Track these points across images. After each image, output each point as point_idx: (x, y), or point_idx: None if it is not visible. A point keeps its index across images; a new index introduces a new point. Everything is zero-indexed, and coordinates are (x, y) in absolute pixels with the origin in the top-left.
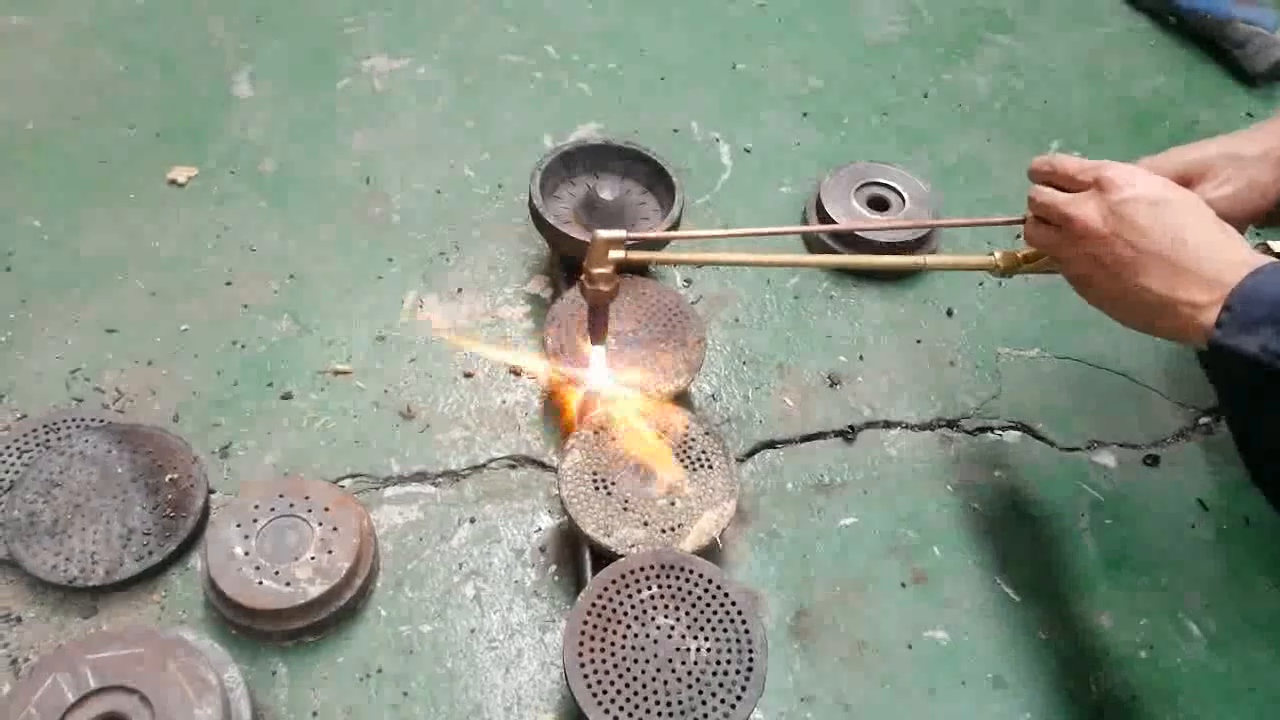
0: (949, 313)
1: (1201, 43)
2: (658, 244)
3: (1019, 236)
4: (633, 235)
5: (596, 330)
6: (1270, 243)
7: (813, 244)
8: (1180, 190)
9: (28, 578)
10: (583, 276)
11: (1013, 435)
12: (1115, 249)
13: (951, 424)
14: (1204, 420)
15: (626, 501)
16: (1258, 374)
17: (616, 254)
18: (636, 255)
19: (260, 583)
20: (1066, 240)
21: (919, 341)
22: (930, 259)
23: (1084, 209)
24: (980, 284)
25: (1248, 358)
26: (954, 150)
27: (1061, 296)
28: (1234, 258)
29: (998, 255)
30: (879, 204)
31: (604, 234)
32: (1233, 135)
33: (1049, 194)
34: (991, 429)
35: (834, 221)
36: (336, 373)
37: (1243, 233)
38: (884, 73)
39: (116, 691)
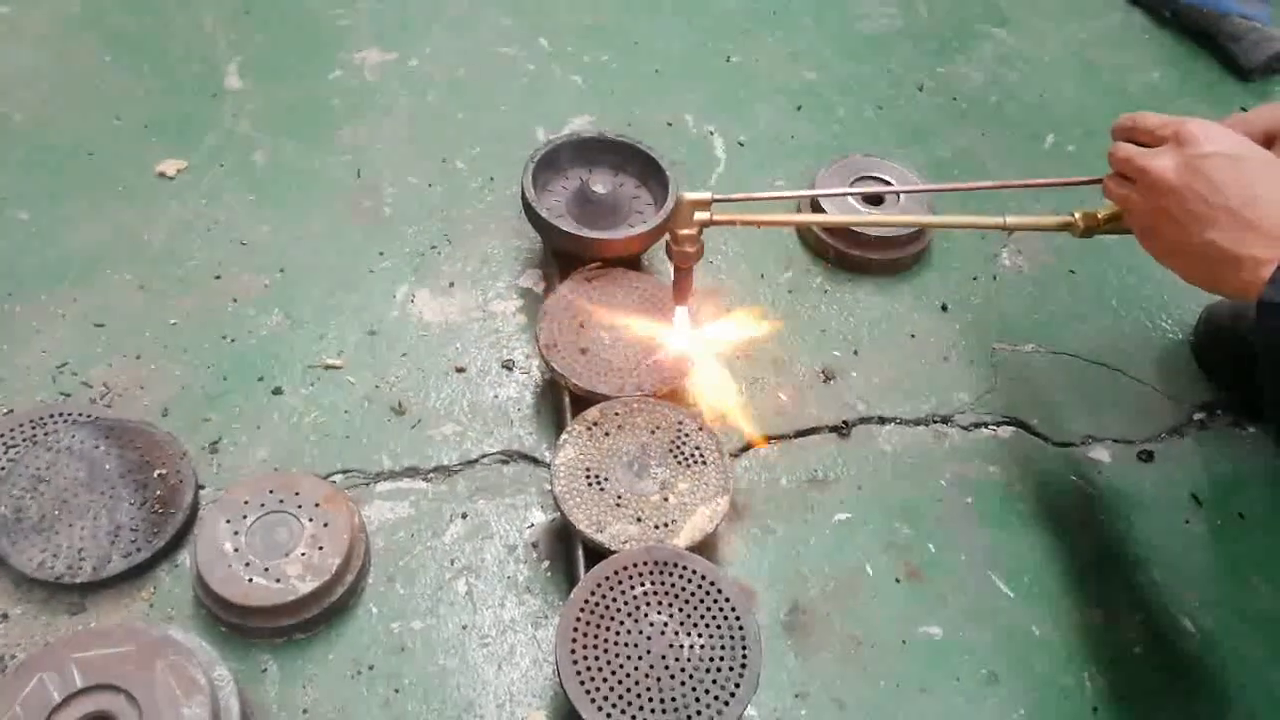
0: (943, 308)
1: (1197, 37)
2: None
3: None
4: (719, 196)
5: (681, 290)
6: None
7: (807, 237)
8: (1258, 149)
9: (14, 574)
10: (668, 237)
11: (1007, 430)
12: (1187, 202)
13: (946, 419)
14: (1198, 415)
15: (619, 497)
16: None
17: (702, 215)
18: (722, 216)
19: (250, 579)
20: (1140, 192)
21: (913, 336)
22: (1011, 219)
23: (1160, 161)
24: (974, 279)
25: None
26: (948, 144)
27: (1056, 291)
28: None
29: (1078, 215)
30: (874, 198)
31: (690, 195)
32: None
33: (1127, 148)
34: (986, 424)
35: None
36: (327, 367)
37: None
38: (878, 66)
39: (104, 690)
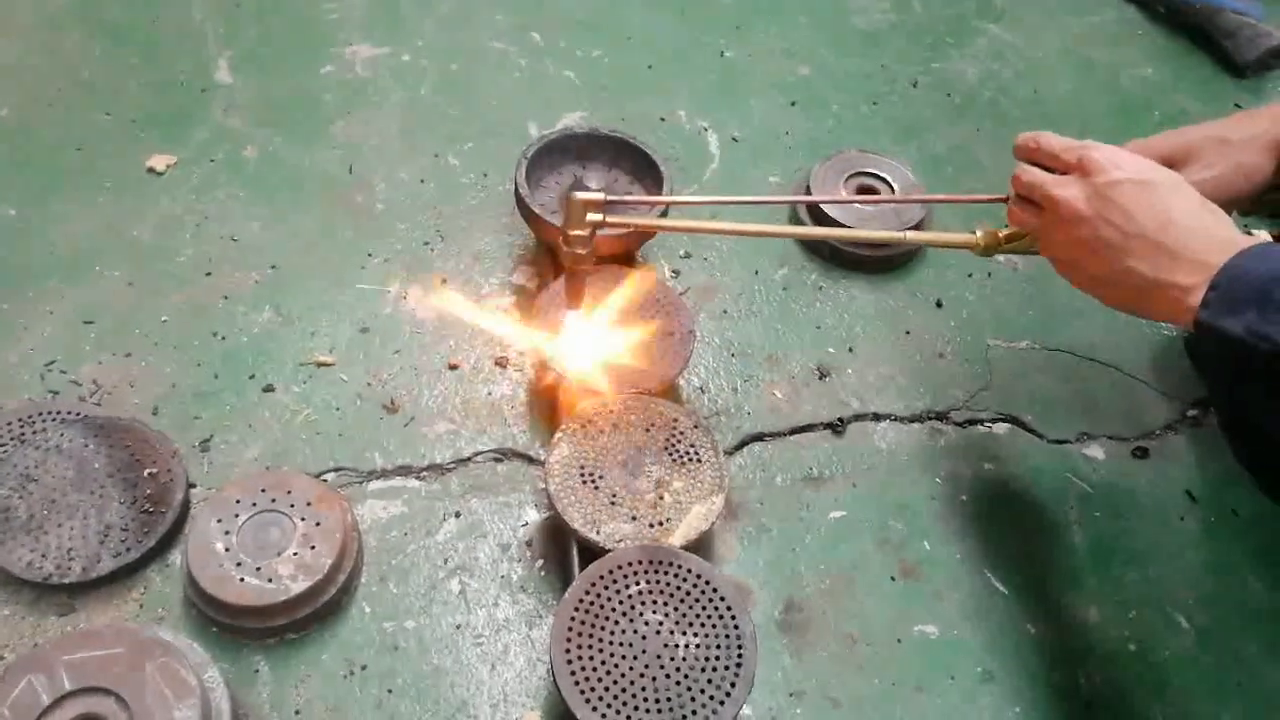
0: (938, 304)
1: (1190, 33)
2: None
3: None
4: (612, 197)
5: (574, 294)
6: (1253, 230)
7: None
8: (1165, 172)
9: (2, 575)
10: (560, 239)
11: (1002, 427)
12: (1100, 231)
13: (941, 416)
14: (1192, 412)
15: (614, 496)
16: (1243, 355)
17: (594, 216)
18: (615, 220)
19: (242, 579)
20: (1050, 222)
21: (908, 333)
22: (911, 234)
23: (1068, 191)
24: (969, 275)
25: (1233, 338)
26: (943, 140)
27: (1052, 288)
28: (1221, 239)
29: (979, 234)
30: (868, 194)
31: (581, 195)
32: (1220, 120)
33: (1033, 173)
34: (981, 421)
35: (824, 212)
36: (319, 364)
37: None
38: (873, 61)
39: (93, 693)
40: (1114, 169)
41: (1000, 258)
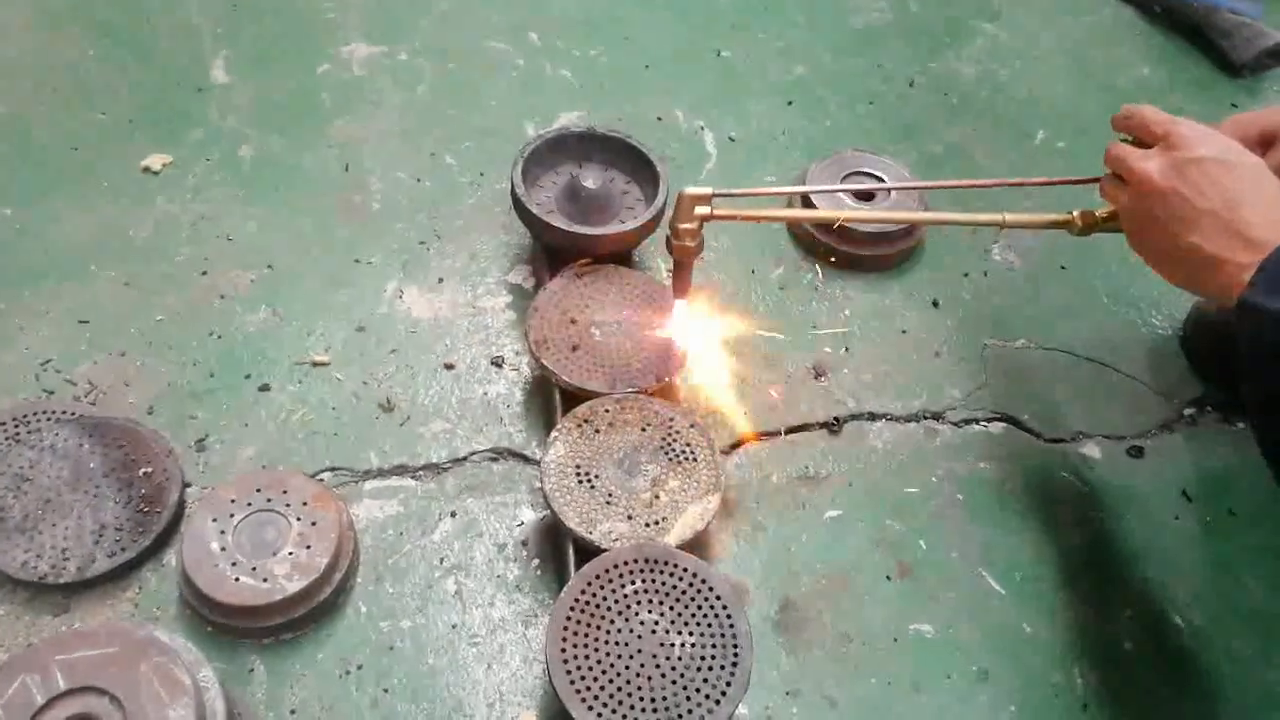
0: (935, 304)
1: (1187, 33)
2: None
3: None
4: (719, 191)
5: (681, 284)
6: None
7: (798, 234)
8: (1247, 155)
9: None
10: (669, 232)
11: (998, 427)
12: (1171, 205)
13: (937, 415)
14: (1188, 411)
15: (610, 495)
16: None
17: (702, 209)
18: (722, 212)
19: (237, 579)
20: (1130, 195)
21: (904, 332)
22: (1009, 216)
23: (1148, 163)
24: (965, 275)
25: (1272, 315)
26: (940, 140)
27: (1048, 287)
28: None
29: (1076, 214)
30: (865, 193)
31: (691, 190)
32: None
33: (1120, 148)
34: (977, 420)
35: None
36: (315, 364)
37: None
38: (870, 61)
39: (87, 693)
40: (1198, 146)
41: (997, 256)
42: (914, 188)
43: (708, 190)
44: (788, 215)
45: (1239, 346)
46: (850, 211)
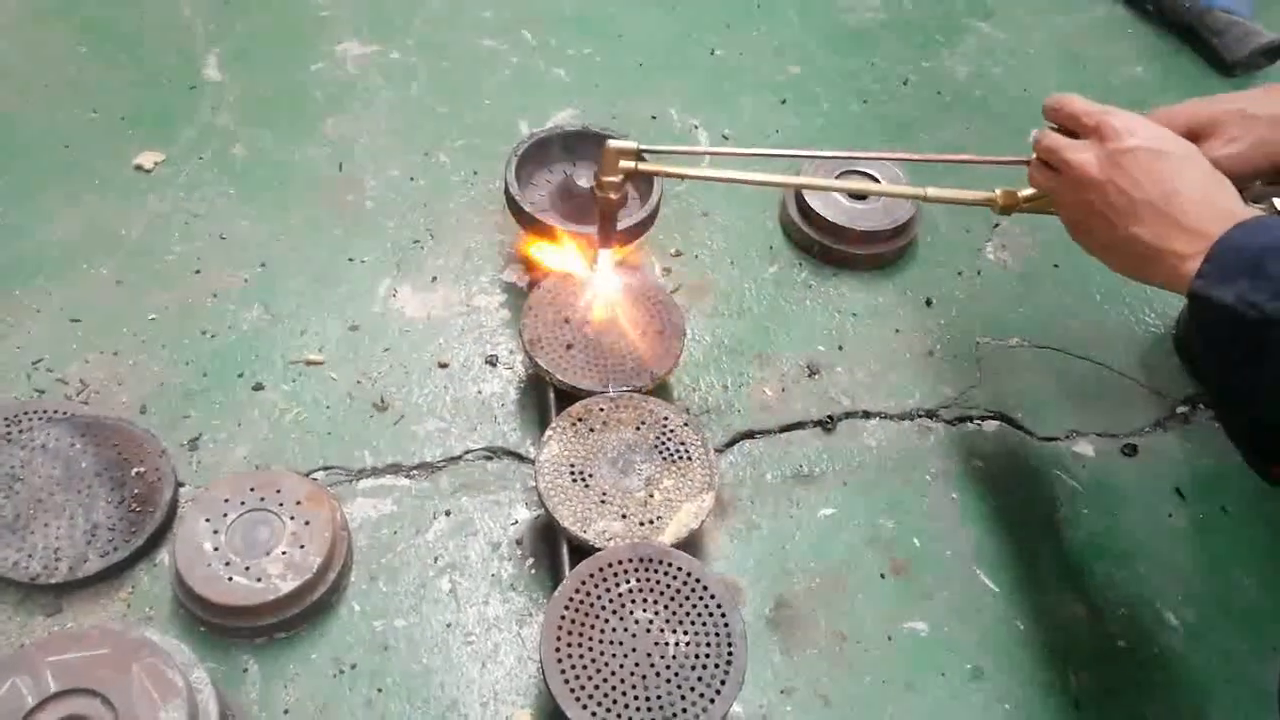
0: (928, 302)
1: (1179, 31)
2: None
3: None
4: (647, 148)
5: (604, 234)
6: (1277, 201)
7: (792, 232)
8: (1180, 143)
9: None
10: (594, 185)
11: (992, 425)
12: (1109, 196)
13: (930, 414)
14: (1181, 409)
15: (604, 494)
16: (1234, 323)
17: (626, 164)
18: (646, 167)
19: (230, 579)
20: (1064, 184)
21: (898, 331)
22: (931, 190)
23: (1082, 155)
24: (959, 274)
25: (1224, 307)
26: (933, 138)
27: (1041, 286)
28: (1223, 210)
29: (998, 192)
30: (859, 192)
31: (615, 144)
32: (1244, 93)
33: (1053, 138)
34: (970, 419)
35: (815, 210)
36: (309, 363)
37: (1246, 190)
38: (863, 59)
39: (79, 695)
40: (1129, 136)
41: (990, 255)
42: (841, 156)
43: (633, 145)
44: (714, 176)
45: (1196, 335)
46: (790, 179)
